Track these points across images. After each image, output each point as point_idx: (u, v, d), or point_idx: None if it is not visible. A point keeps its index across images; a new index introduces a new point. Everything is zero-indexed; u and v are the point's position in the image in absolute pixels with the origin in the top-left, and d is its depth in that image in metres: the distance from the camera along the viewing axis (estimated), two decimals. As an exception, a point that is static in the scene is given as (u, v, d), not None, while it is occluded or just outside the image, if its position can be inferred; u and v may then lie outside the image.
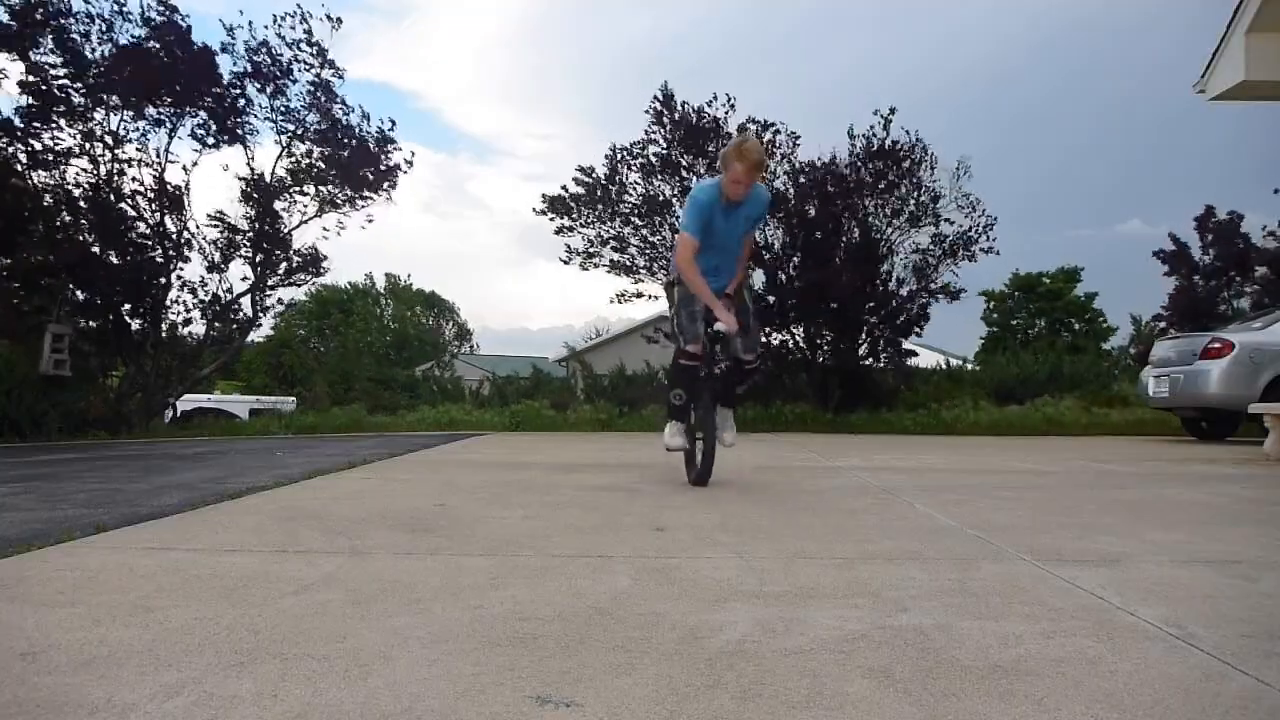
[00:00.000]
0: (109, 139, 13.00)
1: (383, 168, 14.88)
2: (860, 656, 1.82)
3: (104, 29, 12.68)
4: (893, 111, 14.16)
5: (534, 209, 15.43)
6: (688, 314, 4.91)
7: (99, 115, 12.89)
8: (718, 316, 4.79)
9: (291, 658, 1.81)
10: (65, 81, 12.50)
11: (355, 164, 14.65)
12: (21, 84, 12.20)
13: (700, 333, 4.87)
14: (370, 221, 15.19)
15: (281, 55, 13.96)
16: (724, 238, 4.87)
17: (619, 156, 14.80)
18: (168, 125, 13.51)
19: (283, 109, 14.27)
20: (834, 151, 14.41)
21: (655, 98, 14.52)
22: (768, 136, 14.33)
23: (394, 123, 15.30)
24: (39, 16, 12.17)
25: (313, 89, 14.29)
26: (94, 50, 12.67)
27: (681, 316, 4.96)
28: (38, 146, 12.54)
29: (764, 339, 14.61)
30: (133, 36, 12.92)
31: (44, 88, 12.36)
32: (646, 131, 14.67)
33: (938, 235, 14.35)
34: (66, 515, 3.82)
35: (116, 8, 12.71)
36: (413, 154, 15.63)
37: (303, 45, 14.04)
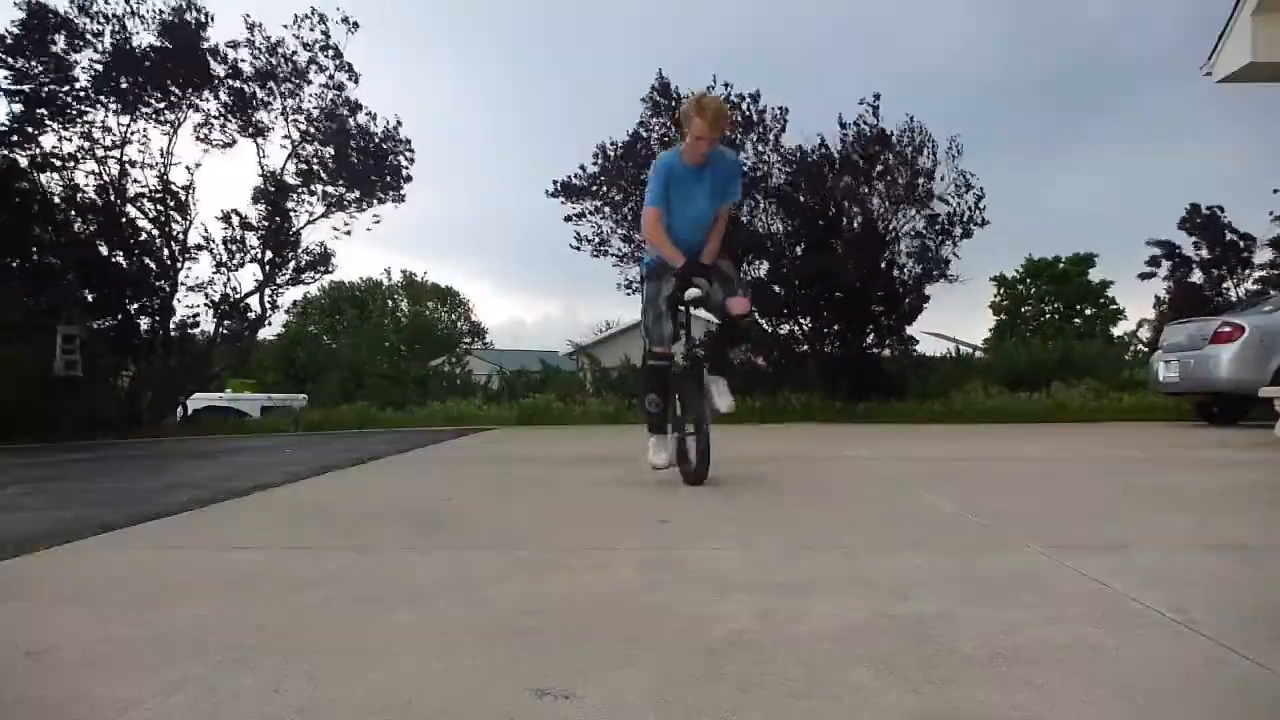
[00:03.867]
0: (110, 140, 13.07)
1: (390, 175, 14.90)
2: (861, 645, 1.82)
3: (117, 29, 12.73)
4: (878, 98, 14.21)
5: (546, 191, 15.37)
6: (654, 314, 4.64)
7: (98, 116, 12.95)
8: (683, 274, 4.44)
9: (295, 653, 1.81)
10: (53, 87, 12.53)
11: (366, 169, 14.67)
12: (7, 92, 12.29)
13: (667, 334, 4.60)
14: (377, 221, 15.13)
15: (298, 56, 14.04)
16: (693, 208, 4.57)
17: (640, 135, 14.73)
18: (169, 124, 13.54)
19: (295, 109, 14.32)
20: (821, 137, 14.44)
21: (652, 86, 14.53)
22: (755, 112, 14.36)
23: (403, 127, 15.20)
24: (53, 20, 12.22)
25: (327, 91, 14.37)
26: (97, 49, 12.72)
27: (648, 316, 4.69)
28: (36, 151, 12.61)
29: (767, 327, 14.62)
30: (155, 33, 13.00)
31: (35, 93, 12.41)
32: (643, 120, 14.67)
33: (933, 216, 14.36)
34: (76, 515, 3.85)
35: (129, 8, 12.78)
36: (413, 152, 15.38)
37: (319, 48, 14.10)
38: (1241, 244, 18.49)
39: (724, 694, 1.56)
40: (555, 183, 15.21)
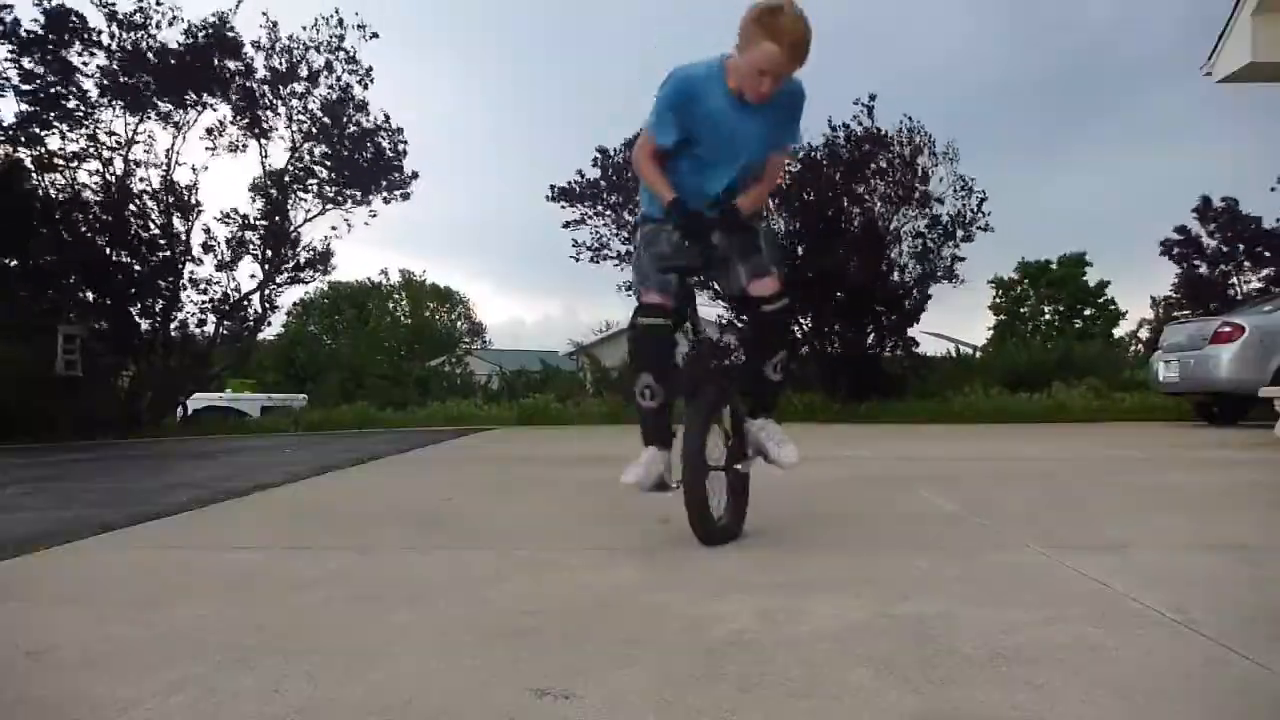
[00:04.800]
0: (115, 141, 13.07)
1: (396, 176, 14.92)
2: (861, 645, 1.82)
3: (139, 36, 12.77)
4: (873, 99, 14.21)
5: (545, 195, 15.34)
6: (650, 255, 3.11)
7: (106, 117, 12.96)
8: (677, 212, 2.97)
9: (295, 653, 1.81)
10: (67, 87, 12.54)
11: (367, 167, 14.68)
12: (20, 91, 12.29)
13: (661, 282, 3.06)
14: (374, 215, 15.14)
15: (311, 57, 14.07)
16: (736, 145, 3.03)
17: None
18: (177, 125, 13.55)
19: (302, 109, 14.34)
20: (826, 136, 14.42)
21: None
22: None
23: (404, 130, 15.18)
24: (72, 24, 12.23)
25: (336, 93, 14.37)
26: (109, 54, 12.74)
27: (642, 258, 3.17)
28: (42, 150, 12.62)
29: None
30: (180, 35, 13.08)
31: (45, 95, 12.42)
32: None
33: (934, 217, 14.39)
34: (76, 515, 3.85)
35: (146, 13, 12.80)
36: (414, 175, 15.40)
37: (335, 50, 14.13)
38: (1262, 234, 18.49)
39: (724, 694, 1.56)
40: (553, 188, 15.21)
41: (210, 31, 13.14)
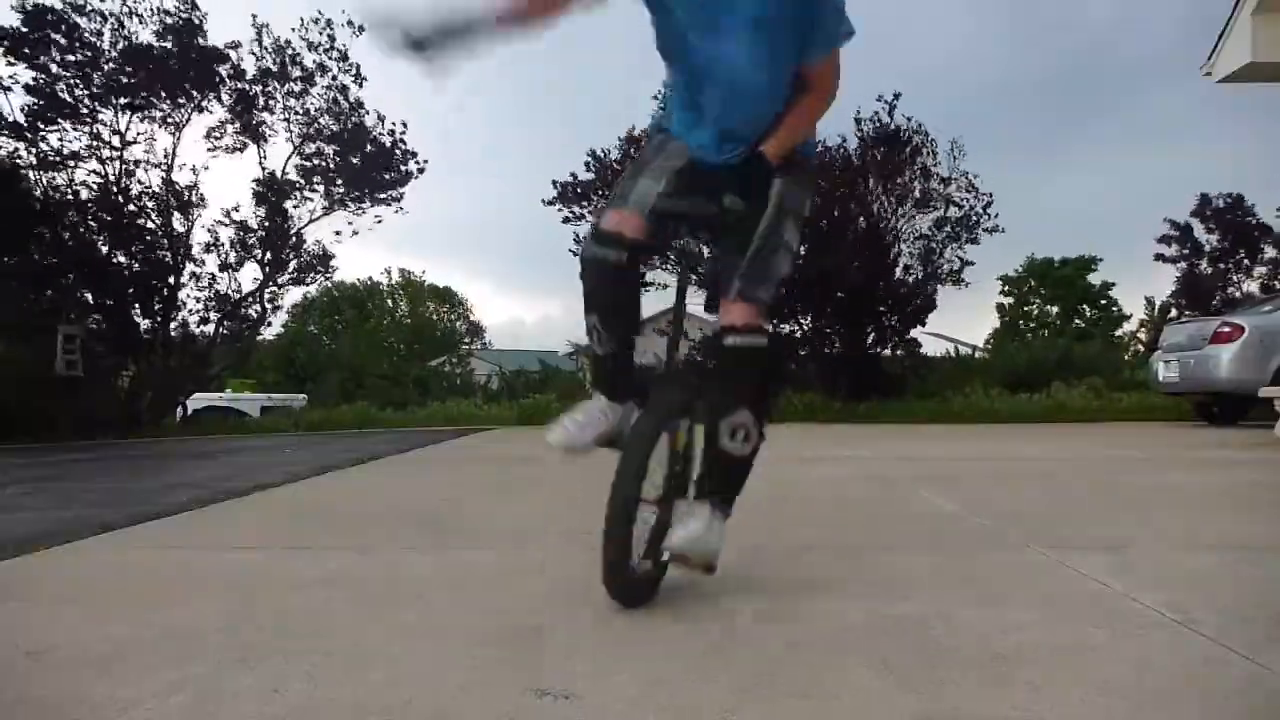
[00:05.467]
0: (116, 140, 13.06)
1: (392, 174, 14.89)
2: (860, 646, 1.82)
3: (116, 26, 12.74)
4: (897, 96, 14.18)
5: (542, 200, 15.34)
6: (633, 166, 2.41)
7: (106, 116, 12.95)
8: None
9: (294, 653, 1.81)
10: (73, 83, 12.54)
11: (367, 170, 14.67)
12: (28, 88, 12.28)
13: (634, 195, 2.28)
14: (379, 221, 15.11)
15: (303, 59, 14.04)
16: (728, 47, 2.15)
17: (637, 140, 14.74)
18: (175, 125, 13.53)
19: (300, 110, 14.33)
20: (841, 137, 14.38)
21: (664, 83, 14.50)
22: None
23: (405, 125, 15.15)
24: (50, 19, 12.22)
25: (330, 91, 14.36)
26: (106, 50, 12.71)
27: (628, 169, 2.44)
28: (45, 149, 12.62)
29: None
30: (153, 32, 13.02)
31: (49, 91, 12.42)
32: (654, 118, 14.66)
33: (941, 219, 14.35)
34: (76, 515, 3.85)
35: (128, 8, 12.78)
36: (425, 162, 15.24)
37: (324, 50, 14.11)
38: (1256, 234, 18.48)
39: (724, 694, 1.56)
40: (554, 182, 15.20)
41: (178, 25, 13.09)
